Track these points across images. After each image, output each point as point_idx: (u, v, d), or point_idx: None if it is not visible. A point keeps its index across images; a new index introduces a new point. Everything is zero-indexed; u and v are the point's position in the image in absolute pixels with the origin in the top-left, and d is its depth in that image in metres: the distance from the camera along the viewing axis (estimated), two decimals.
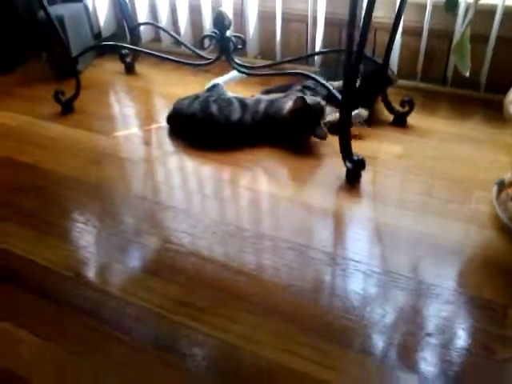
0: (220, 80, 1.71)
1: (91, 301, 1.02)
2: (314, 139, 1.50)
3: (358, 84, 1.31)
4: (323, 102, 1.48)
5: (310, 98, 1.47)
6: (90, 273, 1.10)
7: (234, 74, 1.74)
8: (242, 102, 1.52)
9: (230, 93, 1.63)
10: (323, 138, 1.47)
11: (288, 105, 1.48)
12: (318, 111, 1.46)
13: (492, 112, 1.61)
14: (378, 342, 0.92)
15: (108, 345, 0.93)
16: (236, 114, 1.49)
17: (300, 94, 1.49)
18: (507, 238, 1.14)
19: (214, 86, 1.66)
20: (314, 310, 0.99)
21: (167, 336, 0.95)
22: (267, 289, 1.04)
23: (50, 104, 1.72)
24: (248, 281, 1.06)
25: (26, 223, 1.25)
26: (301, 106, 1.45)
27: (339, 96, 1.30)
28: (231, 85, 1.75)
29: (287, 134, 1.50)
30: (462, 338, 0.93)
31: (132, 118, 1.73)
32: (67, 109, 1.74)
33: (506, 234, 1.15)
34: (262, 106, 1.51)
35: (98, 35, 2.13)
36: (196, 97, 1.59)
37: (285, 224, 1.23)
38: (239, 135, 1.50)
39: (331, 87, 1.35)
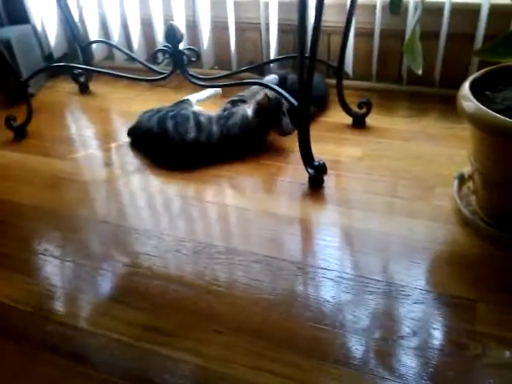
0: (193, 97, 1.68)
1: (53, 335, 0.98)
2: (275, 140, 1.49)
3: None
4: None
5: (269, 92, 1.46)
6: (52, 306, 1.06)
7: (209, 91, 1.71)
8: (198, 122, 1.49)
9: (196, 108, 1.59)
10: (289, 132, 1.47)
11: (249, 111, 1.48)
12: (280, 103, 1.46)
13: (448, 107, 1.63)
14: (352, 350, 0.91)
15: (74, 381, 0.89)
16: (191, 134, 1.46)
17: (259, 96, 1.48)
18: (471, 232, 1.15)
19: (183, 101, 1.63)
20: (285, 323, 0.97)
21: (135, 365, 0.91)
22: (236, 305, 1.02)
23: (1, 131, 1.66)
24: (216, 299, 1.03)
25: None
26: (265, 102, 1.46)
27: (295, 102, 1.29)
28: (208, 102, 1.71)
29: (254, 139, 1.49)
30: (434, 338, 0.92)
31: (89, 139, 1.69)
32: (20, 134, 1.68)
33: (470, 228, 1.16)
34: (215, 128, 1.48)
35: (49, 56, 2.07)
36: (158, 111, 1.56)
37: (252, 237, 1.21)
38: (195, 154, 1.47)
39: (286, 94, 1.34)
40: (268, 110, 1.47)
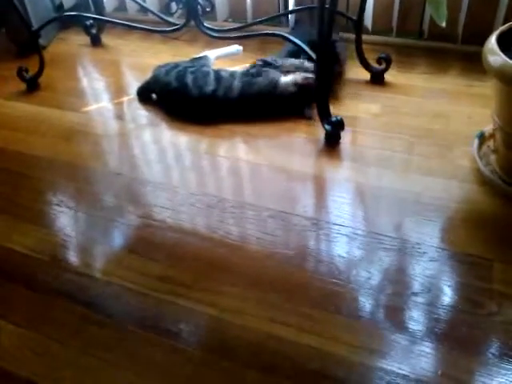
0: (212, 53, 1.62)
1: (70, 284, 0.99)
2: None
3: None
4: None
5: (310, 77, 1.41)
6: (68, 255, 1.07)
7: (230, 48, 1.67)
8: (219, 76, 1.45)
9: (215, 67, 1.54)
10: (311, 118, 1.41)
11: (283, 79, 1.43)
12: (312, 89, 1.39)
13: (470, 64, 1.58)
14: (366, 305, 0.92)
15: (90, 328, 0.91)
16: (210, 86, 1.43)
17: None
18: (490, 192, 1.13)
19: (201, 58, 1.59)
20: (299, 277, 0.97)
21: (151, 314, 0.92)
22: (250, 258, 1.02)
23: (13, 82, 1.65)
24: (230, 252, 1.04)
25: None
26: (306, 83, 1.40)
27: (314, 55, 1.26)
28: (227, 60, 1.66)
29: (281, 109, 1.44)
30: (448, 295, 0.92)
31: (102, 92, 1.67)
32: (32, 86, 1.66)
33: (489, 188, 1.14)
34: (236, 83, 1.43)
35: (59, 7, 2.03)
36: (175, 66, 1.53)
37: (265, 192, 1.20)
38: (212, 108, 1.44)
39: (305, 46, 1.30)
40: (305, 91, 1.41)
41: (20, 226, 1.14)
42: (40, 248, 1.08)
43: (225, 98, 1.43)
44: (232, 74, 1.47)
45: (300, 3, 1.76)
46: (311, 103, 1.39)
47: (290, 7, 1.77)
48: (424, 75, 1.59)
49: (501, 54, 0.99)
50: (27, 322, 0.93)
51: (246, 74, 1.47)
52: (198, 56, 1.60)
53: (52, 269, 1.03)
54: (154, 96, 1.55)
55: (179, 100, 1.47)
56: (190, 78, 1.45)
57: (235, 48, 1.66)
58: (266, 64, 1.52)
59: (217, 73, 1.47)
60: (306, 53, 1.30)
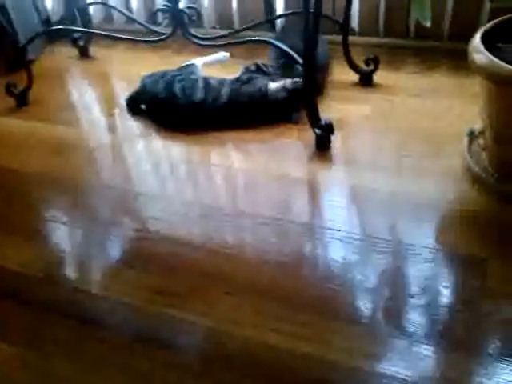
0: (199, 60, 1.62)
1: (65, 300, 0.99)
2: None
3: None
4: None
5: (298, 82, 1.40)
6: (62, 271, 1.06)
7: (217, 55, 1.67)
8: (207, 83, 1.45)
9: (203, 73, 1.54)
10: (298, 123, 1.41)
11: (271, 86, 1.42)
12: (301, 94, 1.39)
13: (457, 62, 1.58)
14: (362, 309, 0.91)
15: (86, 344, 0.90)
16: (199, 95, 1.43)
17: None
18: (481, 190, 1.13)
19: (188, 66, 1.58)
20: (294, 284, 0.97)
21: (147, 328, 0.92)
22: (245, 267, 1.02)
23: (2, 98, 1.64)
24: (225, 261, 1.03)
25: None
26: (294, 88, 1.39)
27: (300, 60, 1.26)
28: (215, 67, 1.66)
29: (270, 115, 1.43)
30: (444, 296, 0.92)
31: (92, 104, 1.67)
32: (22, 101, 1.65)
33: (480, 186, 1.14)
34: (225, 90, 1.43)
35: (46, 20, 2.02)
36: (162, 75, 1.52)
37: (258, 199, 1.20)
38: (202, 116, 1.44)
39: (291, 51, 1.30)
40: (295, 96, 1.40)
41: (13, 243, 1.14)
42: (34, 265, 1.07)
43: (214, 106, 1.42)
44: (221, 82, 1.46)
45: (287, 9, 1.77)
46: (300, 107, 1.39)
47: (278, 13, 1.77)
48: (412, 75, 1.59)
49: (486, 52, 0.99)
50: (22, 340, 0.92)
51: (237, 80, 1.47)
52: (185, 64, 1.60)
53: (46, 285, 1.03)
54: (143, 106, 1.55)
55: (168, 109, 1.47)
56: (177, 87, 1.45)
57: (222, 55, 1.66)
58: (259, 68, 1.53)
59: (205, 80, 1.47)
60: (291, 57, 1.30)
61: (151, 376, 0.84)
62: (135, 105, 1.56)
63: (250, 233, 1.09)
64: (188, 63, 1.60)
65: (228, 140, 1.40)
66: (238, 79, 1.47)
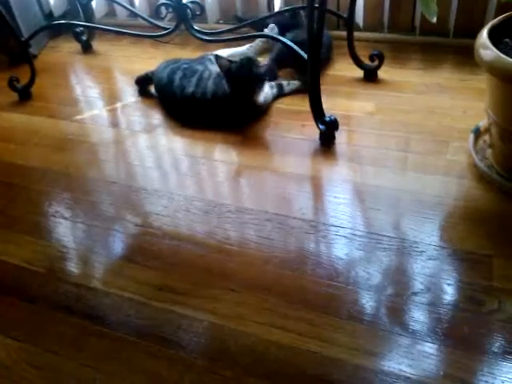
0: (223, 52, 1.61)
1: (67, 296, 0.99)
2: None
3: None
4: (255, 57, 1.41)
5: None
6: (65, 267, 1.06)
7: (239, 49, 1.67)
8: (200, 77, 1.43)
9: (214, 66, 1.50)
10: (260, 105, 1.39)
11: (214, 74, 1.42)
12: (251, 64, 1.35)
13: (463, 58, 1.57)
14: (365, 307, 0.91)
15: (89, 340, 0.90)
16: (190, 88, 1.41)
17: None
18: (487, 187, 1.12)
19: (203, 56, 1.56)
20: (298, 281, 0.97)
21: (150, 324, 0.92)
22: (248, 263, 1.01)
23: (5, 93, 1.64)
24: (228, 257, 1.03)
25: None
26: (225, 64, 1.37)
27: (305, 55, 1.25)
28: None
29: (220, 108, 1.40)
30: (448, 294, 0.92)
31: (95, 99, 1.66)
32: (24, 96, 1.65)
33: (485, 183, 1.13)
34: (210, 85, 1.41)
35: (49, 15, 2.01)
36: (175, 61, 1.53)
37: (262, 195, 1.19)
38: (192, 109, 1.43)
39: (294, 46, 1.29)
40: (231, 76, 1.36)
41: (15, 238, 1.14)
42: (37, 260, 1.07)
43: (201, 100, 1.40)
44: (210, 75, 1.43)
45: (289, 3, 1.76)
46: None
47: (278, 8, 1.76)
48: (417, 71, 1.58)
49: (493, 47, 0.98)
50: (25, 336, 0.92)
51: (218, 74, 1.42)
52: (206, 54, 1.59)
53: (49, 281, 1.02)
54: (153, 91, 1.57)
55: (167, 96, 1.48)
56: (178, 75, 1.45)
57: (246, 48, 1.68)
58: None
59: (201, 73, 1.45)
60: (296, 53, 1.29)
61: (153, 372, 0.84)
62: (143, 83, 1.59)
63: (253, 229, 1.09)
64: (209, 54, 1.58)
65: (232, 136, 1.39)
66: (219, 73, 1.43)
